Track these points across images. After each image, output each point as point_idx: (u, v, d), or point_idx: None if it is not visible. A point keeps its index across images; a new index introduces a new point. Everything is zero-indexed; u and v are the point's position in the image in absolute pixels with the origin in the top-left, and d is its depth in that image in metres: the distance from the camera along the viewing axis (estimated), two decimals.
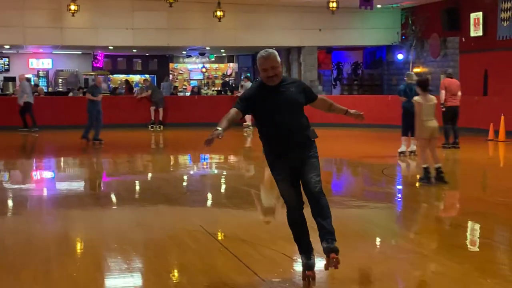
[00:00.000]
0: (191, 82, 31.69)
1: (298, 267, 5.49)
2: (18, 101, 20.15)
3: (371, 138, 18.81)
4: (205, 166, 13.97)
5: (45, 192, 10.52)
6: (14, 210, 8.97)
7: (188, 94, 27.97)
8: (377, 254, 6.42)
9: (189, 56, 31.67)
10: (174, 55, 31.87)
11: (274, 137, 5.20)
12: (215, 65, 33.00)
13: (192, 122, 21.77)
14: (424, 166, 10.14)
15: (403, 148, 13.71)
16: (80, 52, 29.41)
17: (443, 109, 14.78)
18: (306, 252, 5.29)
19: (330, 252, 5.01)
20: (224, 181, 11.81)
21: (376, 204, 9.14)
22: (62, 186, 11.05)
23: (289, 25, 24.50)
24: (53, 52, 29.01)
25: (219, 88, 30.07)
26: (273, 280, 5.36)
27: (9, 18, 22.46)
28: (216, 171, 13.38)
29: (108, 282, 5.48)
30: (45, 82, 29.04)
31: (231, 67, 33.01)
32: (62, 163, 14.76)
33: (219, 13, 22.36)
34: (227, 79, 31.79)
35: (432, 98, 10.33)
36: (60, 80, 29.25)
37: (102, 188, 11.18)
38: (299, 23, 24.52)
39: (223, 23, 22.87)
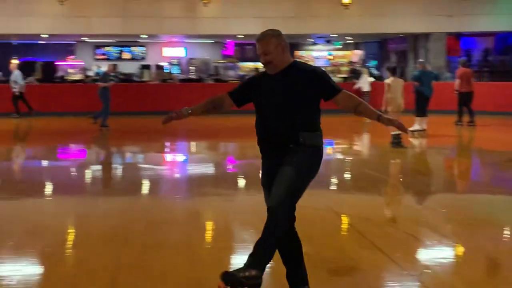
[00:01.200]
0: None
1: (422, 245, 5.81)
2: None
3: None
4: (330, 152, 14.35)
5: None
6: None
7: None
8: None
9: (315, 44, 32.03)
10: (300, 43, 32.33)
11: (260, 133, 4.36)
12: (341, 52, 33.14)
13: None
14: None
15: None
16: (212, 41, 30.53)
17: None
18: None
19: (224, 277, 3.93)
20: (349, 166, 12.14)
21: None
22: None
23: (417, 11, 24.31)
24: (186, 40, 30.30)
25: (346, 75, 30.24)
26: (396, 255, 5.71)
27: (147, 9, 23.84)
28: (341, 156, 13.71)
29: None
30: (177, 70, 30.40)
31: (357, 54, 33.04)
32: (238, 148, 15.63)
33: (346, 0, 22.63)
34: (354, 66, 31.91)
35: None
36: (192, 68, 30.51)
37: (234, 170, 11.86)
38: (427, 9, 24.27)
39: (350, 11, 23.09)
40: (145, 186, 9.71)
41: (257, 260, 3.94)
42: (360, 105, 4.28)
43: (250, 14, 24.15)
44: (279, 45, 4.25)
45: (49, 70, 27.91)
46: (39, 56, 31.09)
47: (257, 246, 4.00)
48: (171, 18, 24.38)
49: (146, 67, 29.39)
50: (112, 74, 18.16)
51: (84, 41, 29.97)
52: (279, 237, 4.04)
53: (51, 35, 26.03)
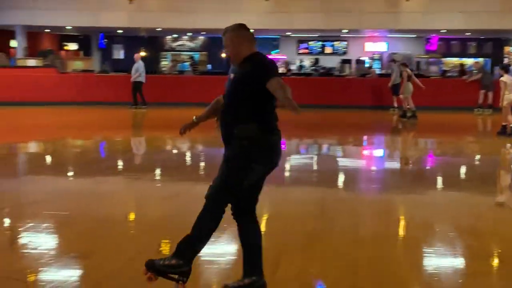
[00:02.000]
0: None
1: None
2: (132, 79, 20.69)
3: None
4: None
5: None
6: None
7: None
8: None
9: None
10: (510, 38, 30.70)
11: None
12: None
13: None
14: None
15: None
16: (414, 36, 30.07)
17: None
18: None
19: (146, 264, 4.13)
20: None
21: None
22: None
23: None
24: (388, 35, 30.14)
25: None
26: None
27: (348, 4, 24.14)
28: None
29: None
30: (378, 65, 30.36)
31: None
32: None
33: None
34: None
35: None
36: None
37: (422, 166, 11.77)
38: None
39: None
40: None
41: (180, 249, 4.09)
42: (281, 97, 3.92)
43: (454, 8, 23.49)
44: (234, 39, 4.16)
45: None
46: None
47: (184, 237, 4.10)
48: (372, 13, 24.46)
49: (347, 61, 29.71)
50: None
51: (288, 36, 30.99)
52: (208, 228, 4.11)
53: (256, 30, 27.25)
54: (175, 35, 34.95)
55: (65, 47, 33.15)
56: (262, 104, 4.10)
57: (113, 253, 5.27)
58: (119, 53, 34.54)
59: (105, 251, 5.20)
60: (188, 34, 34.20)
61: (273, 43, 32.52)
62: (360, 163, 12.07)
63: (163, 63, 34.69)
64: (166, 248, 5.51)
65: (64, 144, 13.48)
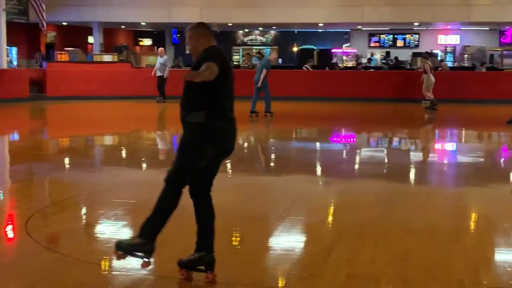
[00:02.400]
0: None
1: None
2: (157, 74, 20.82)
3: None
4: None
5: None
6: None
7: None
8: None
9: None
10: None
11: None
12: None
13: None
14: None
15: None
16: (487, 28, 29.46)
17: None
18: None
19: (115, 245, 4.50)
20: None
21: None
22: None
23: None
24: (461, 28, 29.63)
25: None
26: None
27: None
28: None
29: None
30: (451, 58, 29.91)
31: None
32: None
33: None
34: None
35: None
36: (465, 55, 29.79)
37: None
38: None
39: None
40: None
41: (143, 230, 4.44)
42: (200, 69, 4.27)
43: None
44: (192, 36, 4.58)
45: (325, 57, 29.25)
46: (317, 44, 32.83)
47: (146, 218, 4.46)
48: (444, 6, 24.13)
49: (418, 54, 29.36)
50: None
51: (359, 29, 30.89)
52: (164, 208, 4.44)
53: (326, 24, 27.32)
54: (246, 30, 35.37)
55: (140, 43, 34.06)
56: (212, 93, 4.41)
57: (180, 240, 5.37)
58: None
59: (174, 238, 5.37)
60: (259, 28, 34.56)
61: (344, 37, 32.47)
62: (430, 156, 12.04)
63: (235, 57, 35.17)
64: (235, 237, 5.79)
65: (139, 136, 14.03)
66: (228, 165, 9.22)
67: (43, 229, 6.06)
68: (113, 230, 6.05)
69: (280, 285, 4.65)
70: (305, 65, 24.34)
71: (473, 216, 6.99)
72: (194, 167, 4.47)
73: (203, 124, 4.39)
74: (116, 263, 4.75)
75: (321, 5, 24.87)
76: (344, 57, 30.27)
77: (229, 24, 28.71)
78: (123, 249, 4.43)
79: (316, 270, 4.81)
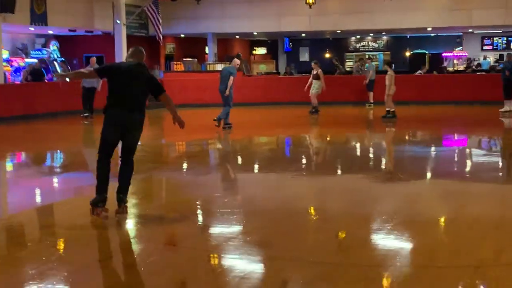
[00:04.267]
0: None
1: None
2: None
3: None
4: None
5: None
6: None
7: None
8: None
9: None
10: None
11: None
12: None
13: None
14: None
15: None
16: None
17: None
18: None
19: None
20: None
21: None
22: None
23: None
24: None
25: None
26: None
27: None
28: None
29: None
30: None
31: None
32: None
33: None
34: None
35: None
36: None
37: None
38: None
39: None
40: None
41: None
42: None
43: None
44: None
45: (436, 61, 29.24)
46: (429, 48, 32.76)
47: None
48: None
49: None
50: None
51: (471, 33, 30.56)
52: (102, 173, 6.63)
53: (435, 28, 27.31)
54: (358, 36, 35.81)
55: (254, 52, 35.35)
56: (110, 89, 6.75)
57: (293, 243, 5.87)
58: (304, 55, 36.11)
59: (286, 240, 5.88)
60: (370, 34, 34.89)
61: (456, 40, 32.22)
62: None
63: (348, 63, 35.70)
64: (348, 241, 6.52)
65: (256, 142, 14.84)
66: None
67: None
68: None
69: None
70: (419, 71, 24.74)
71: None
72: (107, 139, 6.71)
73: (104, 110, 6.66)
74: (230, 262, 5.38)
75: (430, 9, 24.91)
76: (455, 61, 30.05)
77: (338, 31, 29.29)
78: (91, 203, 6.58)
79: None
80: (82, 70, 8.15)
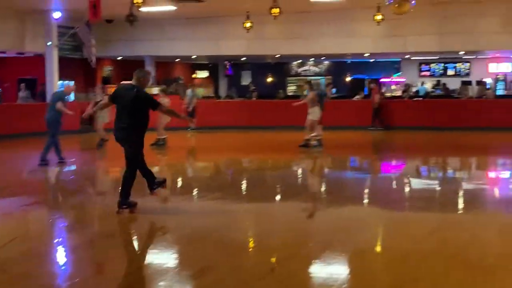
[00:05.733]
0: None
1: None
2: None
3: None
4: None
5: None
6: None
7: None
8: None
9: None
10: None
11: None
12: None
13: None
14: None
15: None
16: None
17: None
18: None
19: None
20: None
21: None
22: None
23: None
24: None
25: None
26: None
27: (463, 26, 23.71)
28: None
29: None
30: (502, 85, 29.57)
31: None
32: None
33: None
34: None
35: None
36: None
37: None
38: None
39: None
40: None
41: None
42: None
43: None
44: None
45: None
46: (369, 73, 33.10)
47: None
48: (488, 33, 23.85)
49: (467, 83, 29.20)
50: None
51: (409, 59, 30.98)
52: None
53: (372, 54, 27.56)
54: (299, 61, 35.96)
55: (194, 75, 35.14)
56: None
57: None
58: (246, 79, 36.07)
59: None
60: (311, 59, 35.08)
61: (394, 66, 32.63)
62: None
63: (289, 88, 35.78)
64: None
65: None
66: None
67: None
68: None
69: None
70: (357, 96, 25.30)
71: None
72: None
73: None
74: None
75: (366, 36, 25.06)
76: (393, 86, 30.41)
77: (277, 56, 29.31)
78: (118, 204, 8.12)
79: None
80: (102, 102, 8.97)
